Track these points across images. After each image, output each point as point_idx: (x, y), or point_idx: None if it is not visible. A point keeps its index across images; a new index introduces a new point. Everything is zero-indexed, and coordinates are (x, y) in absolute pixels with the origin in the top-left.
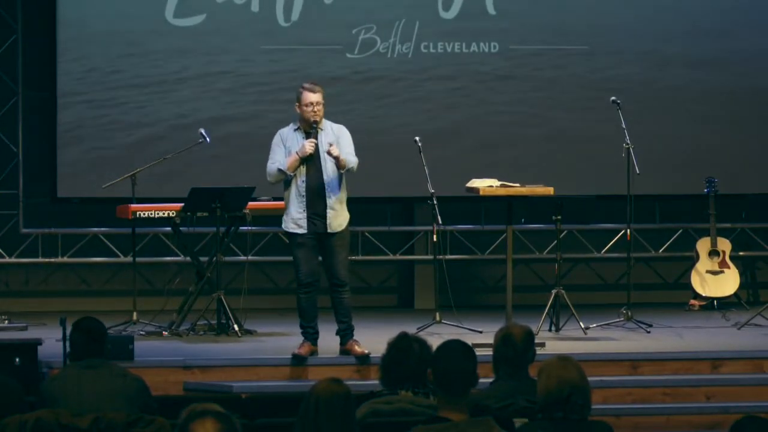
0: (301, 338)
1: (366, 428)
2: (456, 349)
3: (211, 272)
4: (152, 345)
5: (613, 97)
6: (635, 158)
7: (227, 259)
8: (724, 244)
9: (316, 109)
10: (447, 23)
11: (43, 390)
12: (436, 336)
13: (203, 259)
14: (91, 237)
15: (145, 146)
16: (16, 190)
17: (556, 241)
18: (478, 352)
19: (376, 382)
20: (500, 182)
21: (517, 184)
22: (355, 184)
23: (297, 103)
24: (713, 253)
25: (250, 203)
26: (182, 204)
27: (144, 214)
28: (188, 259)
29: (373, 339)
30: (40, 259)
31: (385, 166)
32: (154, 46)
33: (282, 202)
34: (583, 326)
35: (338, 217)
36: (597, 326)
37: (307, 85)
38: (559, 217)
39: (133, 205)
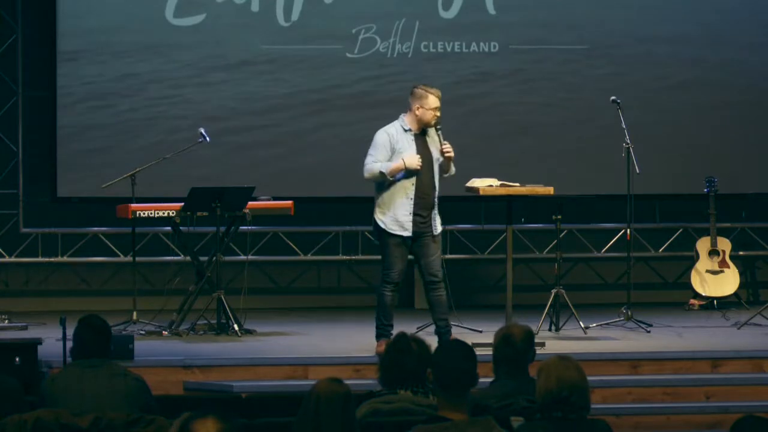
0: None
1: (366, 428)
2: (456, 348)
3: (211, 272)
4: (152, 345)
5: (613, 97)
6: (635, 158)
7: (227, 258)
8: (724, 244)
9: (437, 115)
10: (447, 23)
11: (43, 389)
12: (435, 336)
13: (203, 258)
14: (91, 237)
15: (145, 146)
16: (16, 190)
17: (556, 241)
18: (478, 352)
19: (376, 381)
20: (500, 182)
21: (517, 184)
22: (356, 184)
23: (416, 105)
24: (713, 252)
25: (250, 203)
26: (182, 204)
27: (144, 213)
28: (188, 258)
29: (373, 339)
30: (40, 259)
31: None
32: (154, 46)
33: (284, 202)
34: (583, 326)
35: (438, 218)
36: (597, 326)
37: (430, 89)
38: (559, 217)
39: (133, 205)
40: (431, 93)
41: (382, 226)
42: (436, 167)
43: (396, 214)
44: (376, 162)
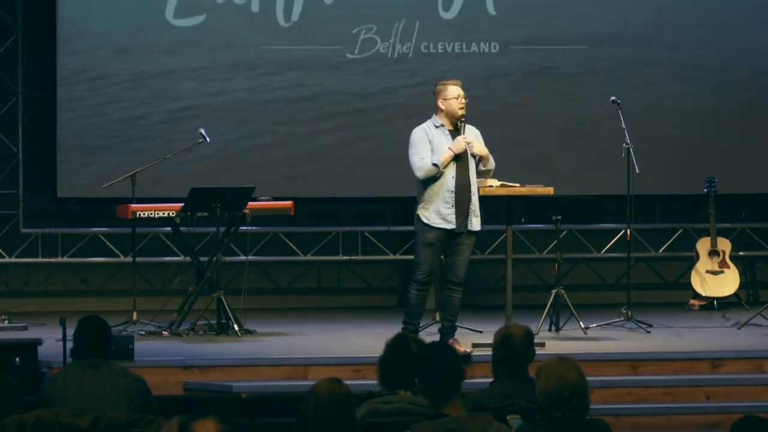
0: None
1: (366, 428)
2: (441, 349)
3: (211, 272)
4: (152, 345)
5: (613, 97)
6: (635, 158)
7: (227, 259)
8: (724, 244)
9: (463, 102)
10: (447, 23)
11: (43, 390)
12: (435, 336)
13: (203, 259)
14: (91, 237)
15: (145, 146)
16: (16, 190)
17: (556, 241)
18: (478, 352)
19: (375, 382)
20: (500, 182)
21: (517, 184)
22: (356, 183)
23: (440, 99)
24: (713, 253)
25: (250, 203)
26: (182, 204)
27: (144, 214)
28: (188, 259)
29: (373, 339)
30: (40, 259)
31: (386, 166)
32: (154, 46)
33: (284, 203)
34: (583, 326)
35: (478, 216)
36: (597, 326)
37: (448, 80)
38: (559, 217)
39: (133, 205)
40: (449, 83)
41: (425, 220)
42: (472, 163)
43: (438, 208)
44: (423, 159)
